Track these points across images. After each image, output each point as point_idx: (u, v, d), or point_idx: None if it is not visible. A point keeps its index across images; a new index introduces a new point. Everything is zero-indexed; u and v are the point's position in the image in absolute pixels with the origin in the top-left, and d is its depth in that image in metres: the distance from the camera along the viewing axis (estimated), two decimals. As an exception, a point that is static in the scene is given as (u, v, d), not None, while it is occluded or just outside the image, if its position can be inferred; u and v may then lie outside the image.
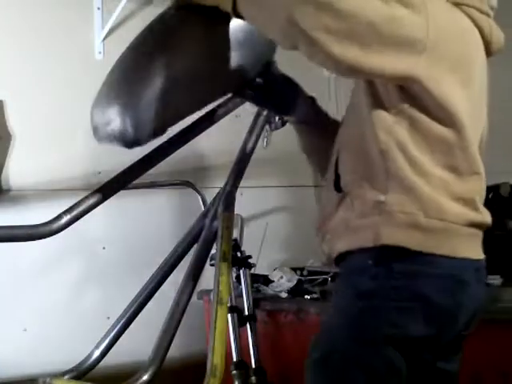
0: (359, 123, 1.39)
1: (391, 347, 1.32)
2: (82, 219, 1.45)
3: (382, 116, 1.34)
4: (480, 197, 1.42)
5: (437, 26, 1.31)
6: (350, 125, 1.46)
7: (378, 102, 1.35)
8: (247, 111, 1.79)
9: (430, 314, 1.34)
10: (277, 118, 1.82)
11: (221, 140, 1.76)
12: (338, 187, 1.42)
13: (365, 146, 1.36)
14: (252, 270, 2.48)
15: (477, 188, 1.41)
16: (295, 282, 2.61)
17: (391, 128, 1.33)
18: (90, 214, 1.47)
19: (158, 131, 1.41)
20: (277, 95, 1.59)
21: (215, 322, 1.33)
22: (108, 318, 2.64)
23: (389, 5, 1.26)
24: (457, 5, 1.41)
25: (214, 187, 1.83)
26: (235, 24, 1.45)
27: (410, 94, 1.33)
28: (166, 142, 1.56)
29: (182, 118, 1.46)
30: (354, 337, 1.32)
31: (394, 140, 1.32)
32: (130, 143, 1.38)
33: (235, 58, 1.48)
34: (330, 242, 1.44)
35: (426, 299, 1.33)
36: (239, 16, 1.36)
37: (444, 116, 1.33)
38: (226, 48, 1.46)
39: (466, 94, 1.37)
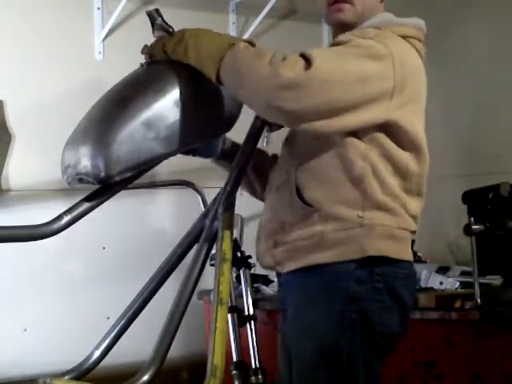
0: (328, 147, 1.51)
1: (382, 343, 1.50)
2: (82, 219, 1.45)
3: (356, 143, 1.48)
4: (420, 212, 1.60)
5: (401, 70, 1.47)
6: (314, 145, 1.54)
7: (352, 132, 1.48)
8: (247, 111, 1.80)
9: (403, 312, 1.53)
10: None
11: (221, 140, 1.76)
12: (302, 199, 1.52)
13: (338, 169, 1.50)
14: (252, 270, 2.48)
15: (420, 206, 1.58)
16: (295, 281, 2.60)
17: (366, 154, 1.48)
18: (90, 213, 1.46)
19: (130, 169, 1.44)
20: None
21: (215, 322, 1.33)
22: (108, 318, 2.64)
23: (360, 60, 1.42)
24: (404, 37, 1.54)
25: (214, 187, 1.82)
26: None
27: (384, 127, 1.48)
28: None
29: (154, 160, 1.50)
30: (350, 338, 1.46)
31: (369, 165, 1.48)
32: (102, 179, 1.41)
33: (208, 109, 1.54)
34: (291, 252, 1.54)
35: (401, 299, 1.51)
36: (221, 83, 1.47)
37: (413, 147, 1.52)
38: (201, 97, 1.52)
39: (422, 125, 1.56)
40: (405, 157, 1.52)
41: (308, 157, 1.55)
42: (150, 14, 1.57)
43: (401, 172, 1.52)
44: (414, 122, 1.52)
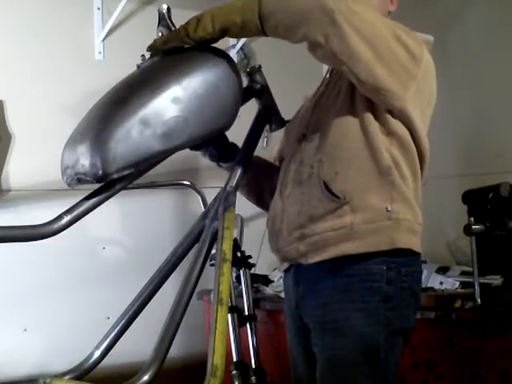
0: (354, 138, 1.56)
1: (405, 338, 1.60)
2: (82, 219, 1.45)
3: (380, 135, 1.54)
4: None
5: (426, 63, 1.54)
6: (339, 137, 1.59)
7: (374, 125, 1.54)
8: (247, 111, 1.80)
9: (417, 307, 1.63)
10: (277, 118, 1.83)
11: (221, 140, 1.76)
12: (331, 192, 1.55)
13: (367, 160, 1.54)
14: (252, 270, 2.48)
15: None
16: (295, 281, 2.60)
17: (388, 147, 1.54)
18: (90, 213, 1.47)
19: (128, 167, 1.44)
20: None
21: (215, 322, 1.33)
22: (108, 318, 2.64)
23: (398, 30, 1.50)
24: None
25: (214, 187, 1.82)
26: (209, 82, 1.53)
27: (401, 119, 1.54)
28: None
29: (153, 158, 1.49)
30: (387, 334, 1.54)
31: (391, 158, 1.54)
32: (100, 177, 1.40)
33: (206, 106, 1.53)
34: (319, 243, 1.56)
35: (417, 295, 1.61)
36: (263, 23, 1.48)
37: (418, 140, 1.58)
38: (199, 94, 1.51)
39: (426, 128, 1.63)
40: (414, 148, 1.59)
41: (333, 149, 1.58)
42: (160, 12, 1.60)
43: (414, 159, 1.58)
44: (424, 129, 1.60)
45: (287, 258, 1.67)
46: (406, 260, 1.56)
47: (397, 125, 1.55)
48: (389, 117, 1.54)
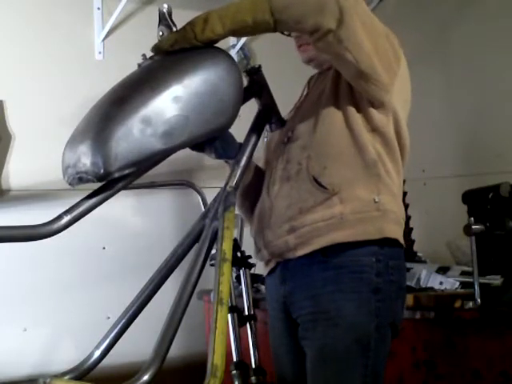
0: (341, 135, 1.61)
1: (393, 330, 1.63)
2: (82, 219, 1.45)
3: (366, 134, 1.60)
4: None
5: (403, 64, 1.63)
6: (325, 135, 1.64)
7: (358, 121, 1.60)
8: (247, 111, 1.80)
9: (404, 300, 1.68)
10: (277, 118, 1.82)
11: (221, 140, 1.76)
12: (320, 185, 1.60)
13: (354, 155, 1.60)
14: (252, 270, 2.48)
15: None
16: (295, 281, 2.60)
17: (373, 143, 1.60)
18: (90, 213, 1.46)
19: (130, 166, 1.43)
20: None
21: (215, 322, 1.33)
22: (108, 318, 2.65)
23: (385, 30, 1.60)
24: None
25: (214, 187, 1.82)
26: (209, 84, 1.53)
27: (388, 112, 1.60)
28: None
29: (154, 157, 1.48)
30: (376, 324, 1.58)
31: (376, 153, 1.60)
32: (101, 176, 1.40)
33: (206, 105, 1.52)
34: (309, 234, 1.60)
35: (403, 289, 1.67)
36: (275, 18, 1.48)
37: (400, 133, 1.64)
38: (199, 92, 1.51)
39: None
40: (396, 144, 1.66)
41: (320, 145, 1.63)
42: (160, 12, 1.60)
43: (397, 164, 1.65)
44: (403, 119, 1.65)
45: (274, 252, 1.68)
46: (392, 252, 1.61)
47: (380, 122, 1.60)
48: (372, 113, 1.60)
